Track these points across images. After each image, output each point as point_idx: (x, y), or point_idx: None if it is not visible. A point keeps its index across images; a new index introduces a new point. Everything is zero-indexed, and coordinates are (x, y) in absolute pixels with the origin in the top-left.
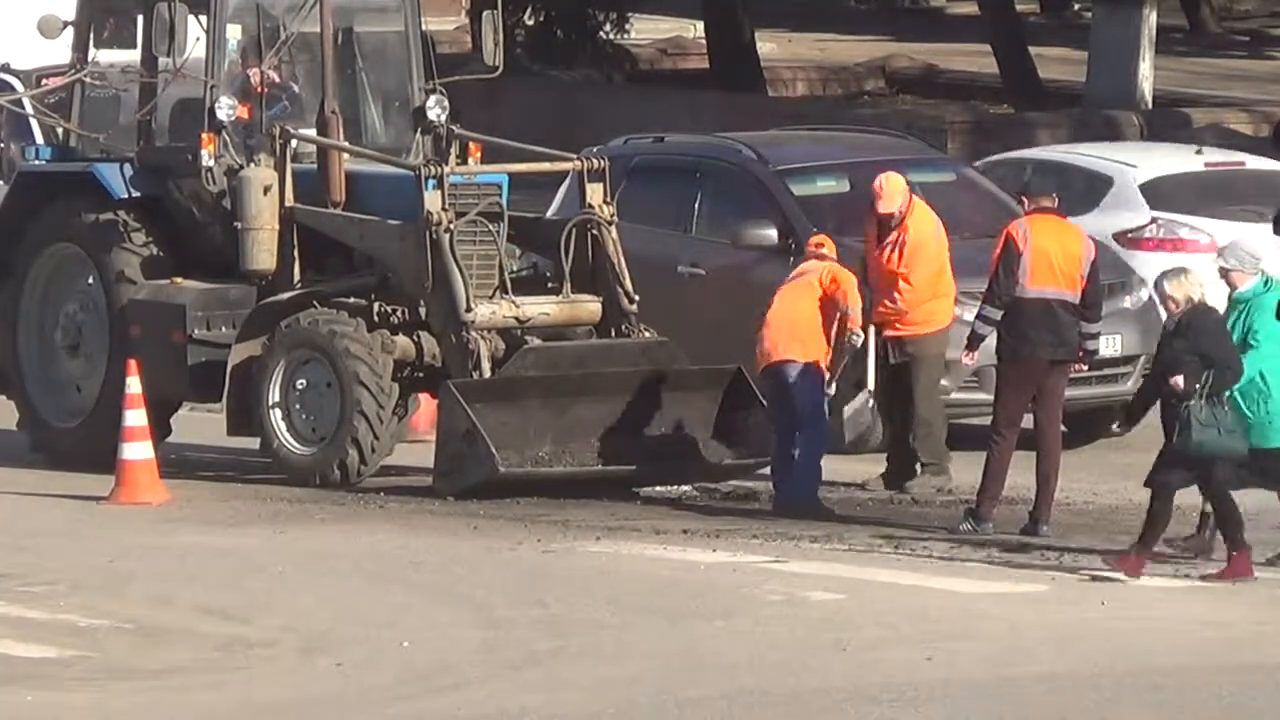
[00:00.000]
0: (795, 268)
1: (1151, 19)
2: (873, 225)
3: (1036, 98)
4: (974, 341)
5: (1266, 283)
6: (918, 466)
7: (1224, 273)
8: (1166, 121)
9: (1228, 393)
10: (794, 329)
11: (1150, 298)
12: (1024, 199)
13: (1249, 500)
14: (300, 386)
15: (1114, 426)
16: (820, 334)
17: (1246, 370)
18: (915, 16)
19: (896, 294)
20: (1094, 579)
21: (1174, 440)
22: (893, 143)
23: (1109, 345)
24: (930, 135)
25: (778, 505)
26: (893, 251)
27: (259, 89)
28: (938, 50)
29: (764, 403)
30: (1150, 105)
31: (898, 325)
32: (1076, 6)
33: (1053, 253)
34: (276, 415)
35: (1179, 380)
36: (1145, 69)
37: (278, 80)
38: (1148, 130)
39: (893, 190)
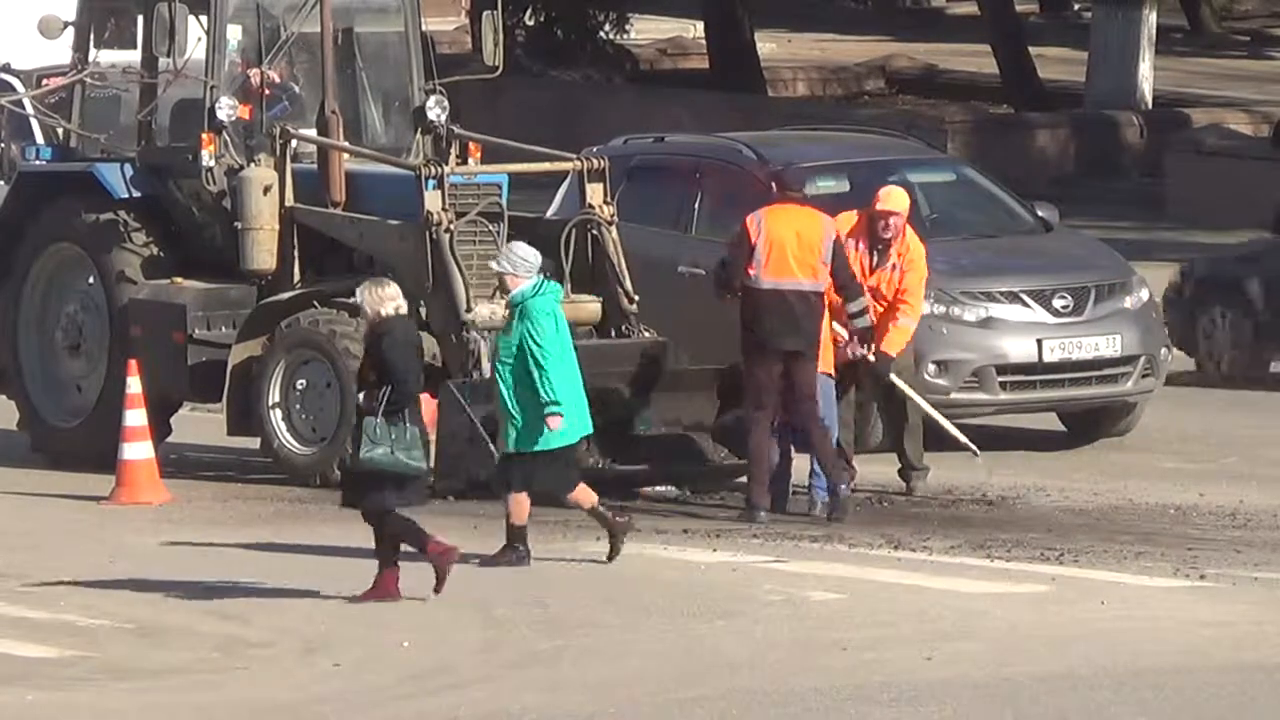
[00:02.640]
0: None
1: (1151, 19)
2: (861, 249)
3: (1036, 98)
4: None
5: (539, 286)
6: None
7: (499, 278)
8: (1166, 121)
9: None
10: None
11: (1151, 298)
12: (775, 186)
13: (1249, 501)
14: (300, 386)
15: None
16: (828, 340)
17: (516, 376)
18: (915, 16)
19: (909, 314)
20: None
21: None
22: (893, 143)
23: (1109, 345)
24: (930, 135)
25: (774, 504)
26: (892, 273)
27: (259, 89)
28: (938, 50)
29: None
30: (1150, 105)
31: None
32: (1076, 6)
33: (789, 243)
34: (276, 415)
35: (360, 396)
36: (1145, 69)
37: (278, 80)
38: (1147, 130)
39: (899, 199)
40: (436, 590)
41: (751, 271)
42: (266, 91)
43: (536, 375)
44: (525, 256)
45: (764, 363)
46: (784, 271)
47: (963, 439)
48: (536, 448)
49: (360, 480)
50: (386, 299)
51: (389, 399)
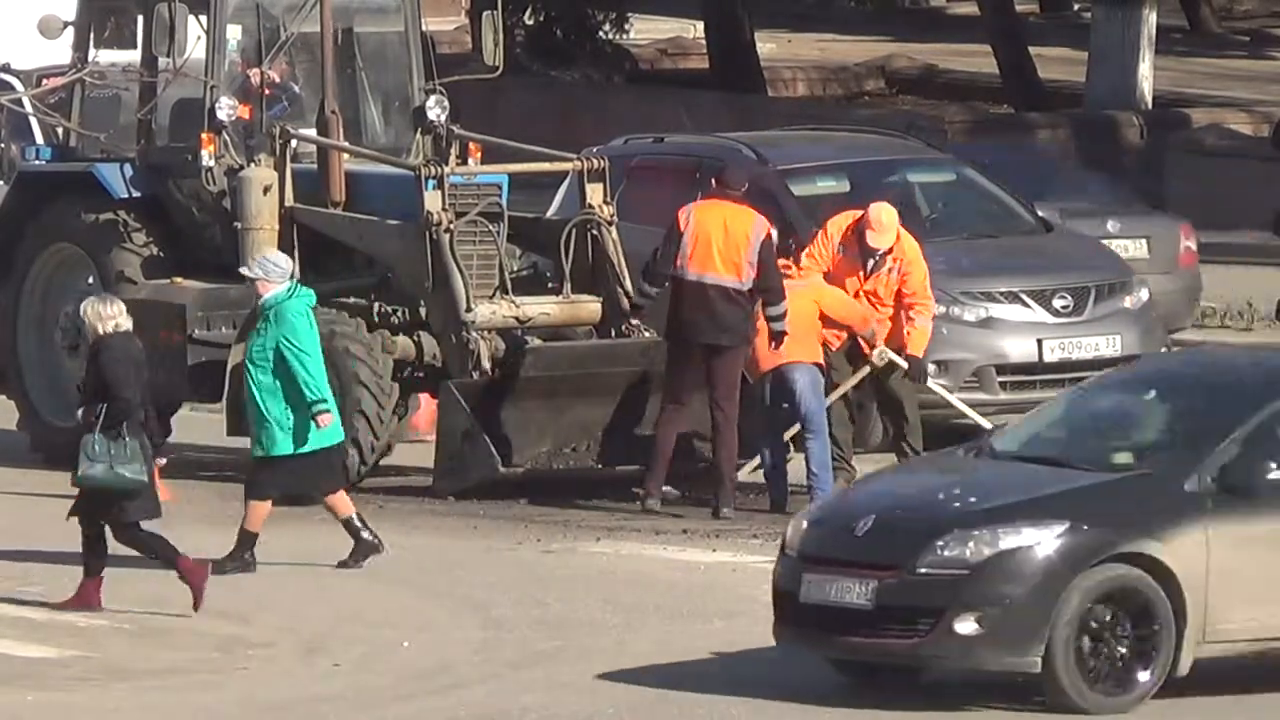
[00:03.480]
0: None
1: (1151, 19)
2: (852, 253)
3: (1036, 98)
4: (634, 312)
5: (292, 290)
6: None
7: (250, 282)
8: (1166, 121)
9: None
10: (795, 331)
11: (1151, 298)
12: (714, 182)
13: None
14: None
15: None
16: (817, 330)
17: (271, 378)
18: (915, 16)
19: (925, 314)
20: None
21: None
22: (893, 143)
23: (1109, 345)
24: (930, 135)
25: (775, 504)
26: (890, 276)
27: (259, 89)
28: (938, 50)
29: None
30: (1150, 105)
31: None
32: (1076, 6)
33: (715, 238)
34: None
35: (80, 413)
36: (1145, 69)
37: (278, 80)
38: (1147, 130)
39: (889, 223)
40: (195, 607)
41: (678, 263)
42: (266, 91)
43: (301, 376)
44: (277, 262)
45: (683, 356)
46: (707, 266)
47: (982, 421)
48: (304, 449)
49: (90, 498)
50: (108, 317)
51: (106, 414)
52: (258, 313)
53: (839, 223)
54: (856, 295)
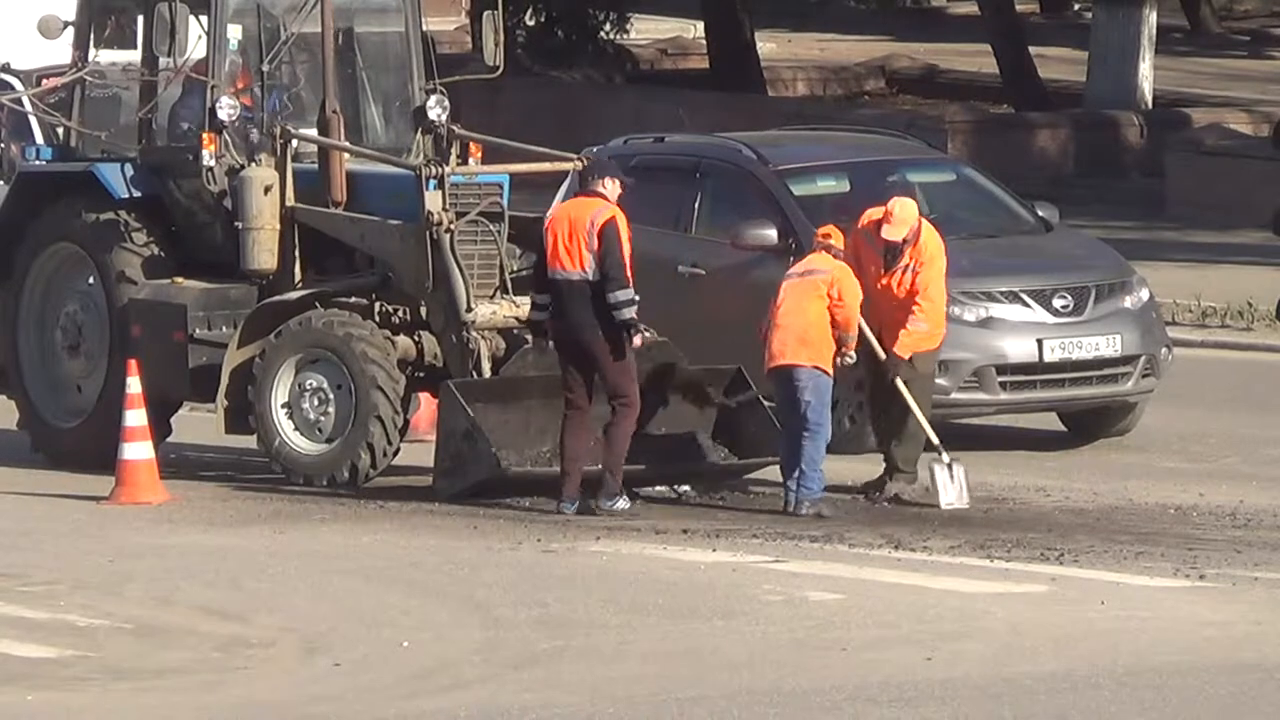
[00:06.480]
0: (801, 260)
1: (1151, 19)
2: (874, 251)
3: (1036, 98)
4: (532, 327)
5: None
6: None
7: None
8: (1166, 121)
9: None
10: (803, 332)
11: (1151, 298)
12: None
13: (1249, 501)
14: (309, 386)
15: None
16: (828, 337)
17: None
18: (915, 16)
19: (920, 317)
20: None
21: None
22: (893, 143)
23: (1109, 345)
24: (930, 135)
25: (789, 504)
26: (904, 274)
27: (260, 89)
28: (938, 50)
29: (763, 401)
30: (1150, 105)
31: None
32: (1076, 6)
33: (560, 232)
34: (282, 416)
35: None
36: (1145, 69)
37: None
38: (1147, 130)
39: (903, 216)
40: None
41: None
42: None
43: None
44: None
45: (559, 354)
46: (555, 260)
47: (946, 458)
48: None
49: None
50: None
51: None
52: None
53: (871, 214)
54: (876, 287)
